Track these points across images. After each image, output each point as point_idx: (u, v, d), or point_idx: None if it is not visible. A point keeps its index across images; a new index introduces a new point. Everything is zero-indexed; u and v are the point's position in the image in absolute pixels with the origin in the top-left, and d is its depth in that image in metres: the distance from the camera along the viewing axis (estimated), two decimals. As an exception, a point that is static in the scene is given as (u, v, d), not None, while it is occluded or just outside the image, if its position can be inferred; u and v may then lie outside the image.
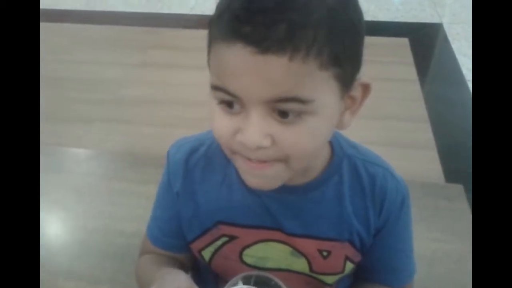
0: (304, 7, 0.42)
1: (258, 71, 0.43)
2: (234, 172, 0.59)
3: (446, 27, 2.56)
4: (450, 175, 1.52)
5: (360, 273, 0.68)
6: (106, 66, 2.28)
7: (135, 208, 1.29)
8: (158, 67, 2.29)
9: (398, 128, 1.77)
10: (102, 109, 1.95)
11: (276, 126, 0.46)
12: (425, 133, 1.73)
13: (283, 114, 0.45)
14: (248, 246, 0.62)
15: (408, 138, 1.72)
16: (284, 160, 0.49)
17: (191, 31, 2.59)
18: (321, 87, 0.45)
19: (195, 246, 0.65)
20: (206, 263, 0.66)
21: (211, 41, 0.47)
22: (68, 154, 1.68)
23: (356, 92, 0.51)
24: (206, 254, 0.65)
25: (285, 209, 0.59)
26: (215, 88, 0.47)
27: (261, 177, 0.51)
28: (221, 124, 0.48)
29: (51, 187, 1.39)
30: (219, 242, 0.63)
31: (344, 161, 0.60)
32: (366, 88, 0.51)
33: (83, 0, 3.03)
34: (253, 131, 0.45)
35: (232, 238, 0.62)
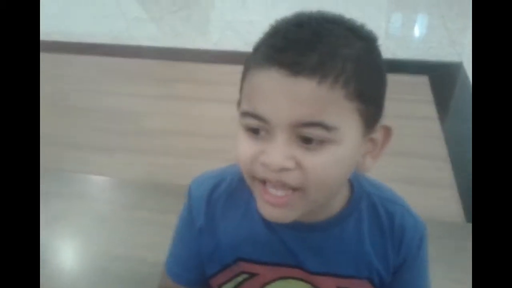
0: (335, 43, 0.47)
1: (288, 92, 0.46)
2: (255, 210, 0.59)
3: (466, 66, 2.57)
4: (468, 212, 1.50)
5: None
6: (129, 97, 2.35)
7: (156, 237, 1.29)
8: (179, 99, 2.34)
9: (418, 165, 1.76)
10: (124, 140, 2.00)
11: (299, 150, 0.48)
12: (445, 172, 1.71)
13: (307, 140, 0.48)
14: (268, 283, 0.63)
15: (428, 176, 1.71)
16: (303, 189, 0.49)
17: (212, 66, 2.67)
18: (345, 117, 0.48)
19: (215, 281, 0.66)
20: None
21: (246, 72, 0.51)
22: (92, 182, 1.72)
23: (378, 135, 0.53)
24: None
25: (305, 247, 0.60)
26: (245, 114, 0.50)
27: (278, 207, 0.51)
28: (246, 149, 0.50)
29: (74, 213, 1.42)
30: (239, 279, 0.63)
31: (363, 198, 0.61)
32: (387, 132, 0.53)
33: (111, 34, 3.16)
34: (277, 152, 0.47)
35: (252, 275, 0.63)
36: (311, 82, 0.45)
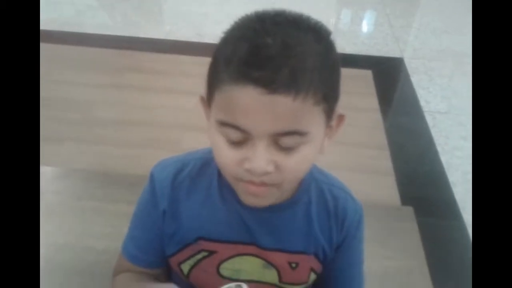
0: (302, 54, 0.51)
1: (266, 109, 0.51)
2: (216, 193, 0.66)
3: (406, 61, 2.73)
4: (405, 199, 1.62)
5: (320, 284, 0.76)
6: (78, 86, 2.31)
7: (106, 226, 1.30)
8: (130, 89, 2.32)
9: (360, 154, 1.87)
10: (74, 129, 1.97)
11: (278, 154, 0.54)
12: (384, 160, 1.84)
13: (285, 146, 0.54)
14: (225, 260, 0.68)
15: (369, 164, 1.82)
16: (280, 184, 0.57)
17: (165, 56, 2.67)
18: (314, 120, 0.54)
19: (175, 259, 0.70)
20: (184, 276, 0.70)
21: (218, 83, 0.54)
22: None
23: (334, 121, 0.60)
24: (185, 267, 0.69)
25: (261, 226, 0.67)
26: (223, 124, 0.54)
27: (258, 197, 0.59)
28: (227, 157, 0.56)
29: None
30: (198, 256, 0.68)
31: (312, 184, 0.68)
32: (341, 118, 0.60)
33: (59, 21, 3.07)
34: (260, 159, 0.53)
35: (211, 253, 0.68)
36: (286, 98, 0.50)
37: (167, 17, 3.53)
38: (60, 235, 1.36)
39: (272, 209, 0.64)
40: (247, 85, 0.50)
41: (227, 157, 0.56)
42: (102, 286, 0.77)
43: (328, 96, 0.54)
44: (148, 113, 2.12)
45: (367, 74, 2.50)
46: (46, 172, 1.67)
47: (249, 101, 0.50)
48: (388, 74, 2.61)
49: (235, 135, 0.54)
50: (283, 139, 0.53)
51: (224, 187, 0.65)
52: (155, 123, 2.03)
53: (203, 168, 0.67)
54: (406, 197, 1.64)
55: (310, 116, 0.53)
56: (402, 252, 1.32)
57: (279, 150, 0.54)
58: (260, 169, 0.54)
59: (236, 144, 0.55)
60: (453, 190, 1.69)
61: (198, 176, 0.68)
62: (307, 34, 0.53)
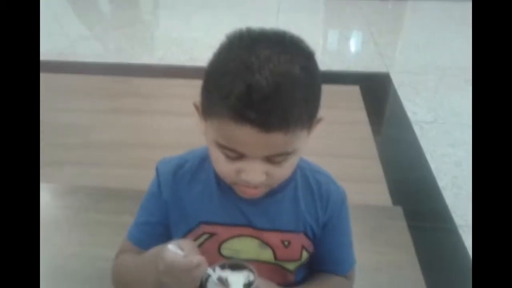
0: (290, 91, 0.58)
1: (261, 143, 0.60)
2: (214, 184, 0.75)
3: (393, 76, 2.83)
4: (396, 202, 1.69)
5: (313, 265, 0.83)
6: (74, 112, 2.36)
7: (112, 235, 1.31)
8: (126, 113, 2.39)
9: (351, 164, 1.93)
10: (72, 153, 2.01)
11: (269, 167, 0.64)
12: (375, 169, 1.90)
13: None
14: (225, 241, 0.76)
15: (361, 174, 1.88)
16: (271, 185, 0.68)
17: (158, 80, 2.75)
18: (300, 139, 0.63)
19: None
20: None
21: (215, 114, 0.61)
22: (44, 190, 1.70)
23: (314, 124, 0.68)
24: None
25: (255, 209, 0.75)
26: (224, 147, 0.63)
27: (253, 194, 0.69)
28: (225, 168, 0.65)
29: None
30: (201, 239, 0.76)
31: (297, 171, 0.76)
32: (318, 120, 0.68)
33: (56, 50, 3.15)
34: (255, 173, 0.63)
35: (211, 235, 0.76)
36: (280, 134, 0.59)
37: (159, 44, 3.63)
38: (69, 246, 1.41)
39: (264, 195, 0.72)
40: (245, 125, 0.58)
41: (225, 168, 0.66)
42: (111, 290, 0.81)
43: (313, 116, 0.64)
44: (144, 135, 2.17)
45: (355, 89, 2.59)
46: (49, 189, 1.71)
47: (246, 137, 0.59)
48: (375, 89, 2.70)
49: (232, 154, 0.63)
50: (275, 158, 0.63)
51: (221, 179, 0.72)
52: (149, 143, 2.08)
53: (202, 163, 0.77)
54: (398, 203, 1.69)
55: (298, 138, 0.62)
56: (393, 247, 1.39)
57: (271, 163, 0.63)
58: (255, 181, 0.64)
59: (233, 159, 0.63)
60: (444, 194, 1.75)
61: (198, 170, 0.77)
62: (294, 64, 0.59)
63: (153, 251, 0.69)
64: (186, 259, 0.61)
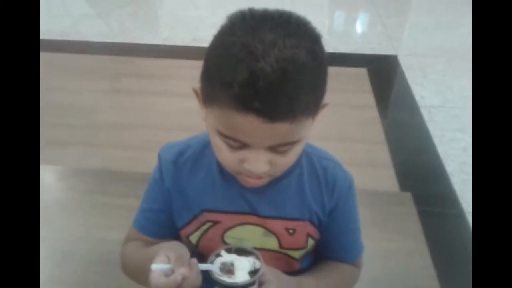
0: (296, 78, 0.54)
1: (266, 132, 0.56)
2: (216, 171, 0.72)
3: (401, 59, 2.78)
4: (404, 190, 1.66)
5: (320, 252, 0.80)
6: (78, 92, 2.35)
7: (118, 219, 1.31)
8: (130, 94, 2.37)
9: (359, 148, 1.91)
10: (76, 133, 2.00)
11: (274, 156, 0.61)
12: (383, 153, 1.88)
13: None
14: (228, 229, 0.74)
15: (368, 158, 1.86)
16: (274, 174, 0.65)
17: (162, 60, 2.71)
18: (306, 128, 0.60)
19: (184, 232, 0.76)
20: (193, 247, 0.75)
21: (217, 101, 0.57)
22: (47, 171, 1.71)
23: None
24: (194, 238, 0.75)
25: (259, 197, 0.72)
26: (226, 136, 0.59)
27: (255, 184, 0.66)
28: (227, 157, 0.62)
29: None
30: (204, 227, 0.74)
31: (303, 157, 0.73)
32: (323, 106, 0.65)
33: (58, 30, 3.11)
34: (259, 162, 0.60)
35: (215, 223, 0.74)
36: (285, 124, 0.55)
37: (163, 23, 3.58)
38: (76, 229, 1.42)
39: (268, 182, 0.69)
40: (249, 114, 0.54)
41: (227, 157, 0.63)
42: (118, 273, 0.80)
43: (318, 103, 0.61)
44: (148, 116, 2.15)
45: (362, 72, 2.55)
46: (55, 170, 1.71)
47: (250, 127, 0.56)
48: (383, 71, 2.66)
49: (234, 144, 0.60)
50: (279, 148, 0.60)
51: (223, 166, 0.69)
52: (153, 125, 2.07)
53: (204, 149, 0.74)
54: (405, 188, 1.67)
55: (303, 127, 0.59)
56: (402, 234, 1.38)
57: (275, 153, 0.60)
58: (258, 171, 0.61)
59: (235, 148, 0.60)
60: (451, 180, 1.73)
61: (200, 156, 0.74)
62: (300, 49, 0.55)
63: (151, 252, 0.65)
64: (170, 279, 0.57)
